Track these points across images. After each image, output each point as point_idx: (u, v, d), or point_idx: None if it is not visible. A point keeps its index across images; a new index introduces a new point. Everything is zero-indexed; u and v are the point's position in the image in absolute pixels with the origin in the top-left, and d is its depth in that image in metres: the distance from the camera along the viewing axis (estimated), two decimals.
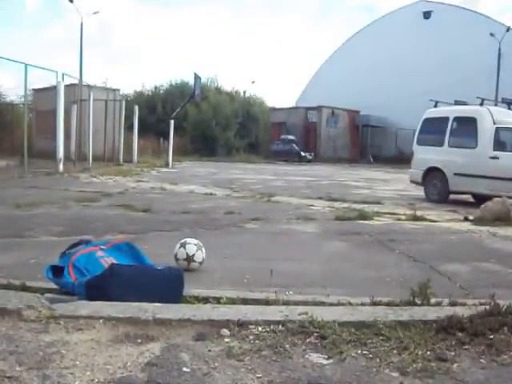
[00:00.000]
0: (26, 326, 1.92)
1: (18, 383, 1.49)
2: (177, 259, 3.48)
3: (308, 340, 1.90)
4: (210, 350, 1.78)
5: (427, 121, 10.55)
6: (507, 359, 1.79)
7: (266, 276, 3.27)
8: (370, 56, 38.74)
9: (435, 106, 10.83)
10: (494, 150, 9.08)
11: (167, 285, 2.53)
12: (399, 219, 6.66)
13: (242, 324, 2.00)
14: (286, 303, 2.46)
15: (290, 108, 40.16)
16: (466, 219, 6.84)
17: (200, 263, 3.49)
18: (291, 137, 35.17)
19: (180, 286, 2.58)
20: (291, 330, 1.96)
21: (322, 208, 7.67)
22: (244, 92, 42.21)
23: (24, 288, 2.58)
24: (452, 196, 9.89)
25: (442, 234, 5.61)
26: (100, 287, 2.33)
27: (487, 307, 2.17)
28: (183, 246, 3.49)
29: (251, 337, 1.91)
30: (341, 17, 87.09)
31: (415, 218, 6.58)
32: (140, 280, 2.47)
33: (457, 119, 10.00)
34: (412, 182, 10.87)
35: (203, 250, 3.52)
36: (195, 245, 3.51)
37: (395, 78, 36.83)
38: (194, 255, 3.46)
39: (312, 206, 7.93)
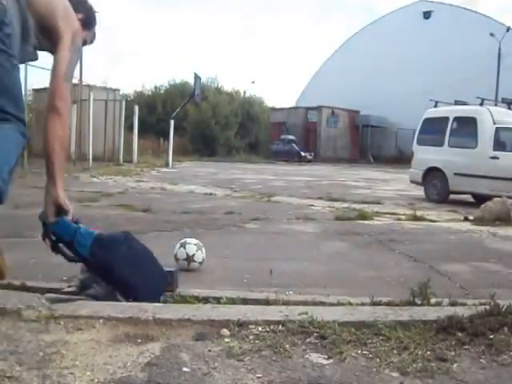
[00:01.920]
0: (26, 326, 1.92)
1: (18, 383, 1.49)
2: (177, 259, 3.48)
3: (308, 340, 1.90)
4: (210, 350, 1.78)
5: (427, 121, 10.56)
6: (507, 359, 1.79)
7: (266, 276, 3.27)
8: (370, 56, 38.76)
9: (435, 106, 10.84)
10: (494, 150, 9.10)
11: (157, 278, 2.50)
12: (399, 219, 6.66)
13: (241, 324, 2.00)
14: (286, 303, 2.46)
15: (290, 108, 40.20)
16: (466, 219, 6.84)
17: (200, 263, 3.49)
18: (291, 137, 35.21)
19: (163, 284, 2.54)
20: (291, 330, 1.96)
21: (322, 208, 7.67)
22: (244, 92, 42.25)
23: (24, 288, 2.58)
24: (452, 196, 9.89)
25: (442, 234, 5.61)
26: (108, 248, 2.26)
27: (487, 307, 2.17)
28: (183, 245, 3.49)
29: (251, 337, 1.91)
30: (341, 17, 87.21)
31: (415, 218, 6.59)
32: (142, 259, 2.44)
33: (457, 119, 10.01)
34: (412, 182, 10.88)
35: (203, 250, 3.52)
36: (195, 245, 3.51)
37: (395, 78, 36.84)
38: (193, 255, 3.46)
39: (312, 205, 7.93)
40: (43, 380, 1.51)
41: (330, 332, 1.93)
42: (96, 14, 2.49)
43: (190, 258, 3.45)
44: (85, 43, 2.45)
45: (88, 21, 2.37)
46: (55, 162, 2.07)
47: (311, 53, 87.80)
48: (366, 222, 6.27)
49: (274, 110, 40.94)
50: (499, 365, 1.76)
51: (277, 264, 3.70)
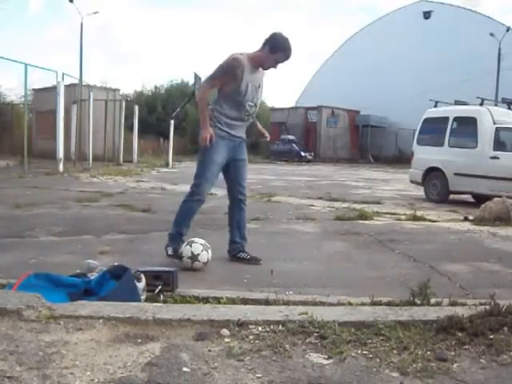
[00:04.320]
0: (26, 326, 1.92)
1: (18, 383, 1.49)
2: (181, 257, 3.47)
3: (308, 340, 1.90)
4: (210, 350, 1.78)
5: (427, 121, 10.55)
6: (507, 359, 1.79)
7: (266, 276, 3.27)
8: (370, 56, 38.72)
9: (435, 106, 10.83)
10: (494, 150, 9.09)
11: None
12: (399, 219, 6.65)
13: (241, 324, 2.00)
14: (286, 303, 2.46)
15: (290, 108, 40.14)
16: (466, 219, 6.84)
17: (204, 263, 3.47)
18: (291, 137, 35.16)
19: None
20: (291, 330, 1.96)
21: (322, 208, 7.66)
22: None
23: None
24: (452, 196, 9.89)
25: (442, 234, 5.61)
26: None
27: (487, 307, 2.17)
28: (189, 244, 3.49)
29: (251, 337, 1.91)
30: (341, 17, 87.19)
31: (415, 218, 6.58)
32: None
33: (457, 119, 10.00)
34: (412, 182, 10.87)
35: (209, 251, 3.51)
36: (201, 245, 3.50)
37: (395, 77, 36.83)
38: (198, 255, 3.44)
39: (312, 205, 7.93)
40: (43, 380, 1.51)
41: (329, 332, 1.93)
42: (280, 42, 3.61)
43: (194, 257, 3.43)
44: (277, 62, 3.73)
45: (272, 47, 3.61)
46: (201, 116, 4.00)
47: (311, 53, 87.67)
48: (366, 221, 6.26)
49: (274, 110, 40.87)
50: (499, 365, 1.76)
51: (277, 264, 3.70)
